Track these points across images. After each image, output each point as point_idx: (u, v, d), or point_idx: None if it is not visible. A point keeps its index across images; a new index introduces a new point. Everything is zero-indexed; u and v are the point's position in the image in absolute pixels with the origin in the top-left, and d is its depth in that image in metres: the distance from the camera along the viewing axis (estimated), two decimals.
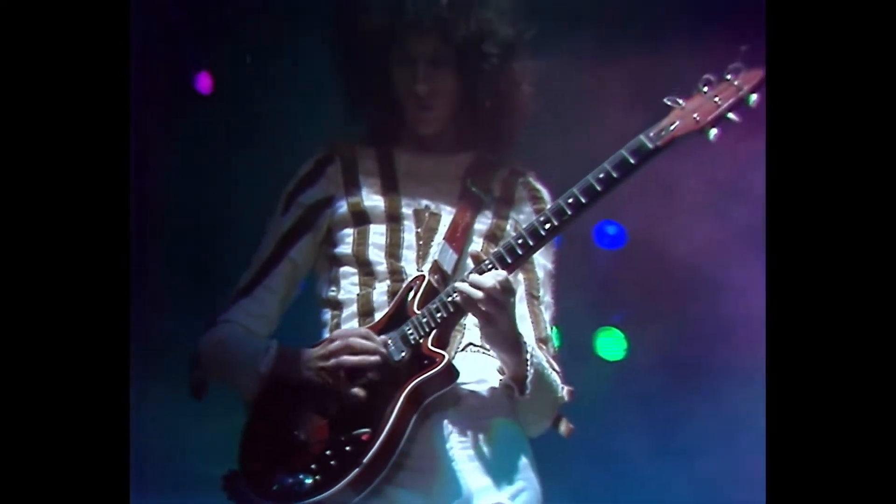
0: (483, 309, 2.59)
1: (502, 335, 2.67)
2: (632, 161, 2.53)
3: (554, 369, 2.83)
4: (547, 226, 2.60)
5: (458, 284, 2.62)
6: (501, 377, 2.78)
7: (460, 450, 2.72)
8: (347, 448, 2.62)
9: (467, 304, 2.60)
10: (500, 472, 2.72)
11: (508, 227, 2.93)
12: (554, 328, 2.97)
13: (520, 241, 2.62)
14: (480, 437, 2.73)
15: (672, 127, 2.54)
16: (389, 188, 2.94)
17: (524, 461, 2.78)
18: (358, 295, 2.86)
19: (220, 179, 4.79)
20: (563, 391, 2.83)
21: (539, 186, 3.03)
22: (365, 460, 2.58)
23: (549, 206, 2.68)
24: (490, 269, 2.64)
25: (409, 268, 2.85)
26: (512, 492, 2.71)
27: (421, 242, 2.89)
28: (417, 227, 2.90)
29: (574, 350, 3.52)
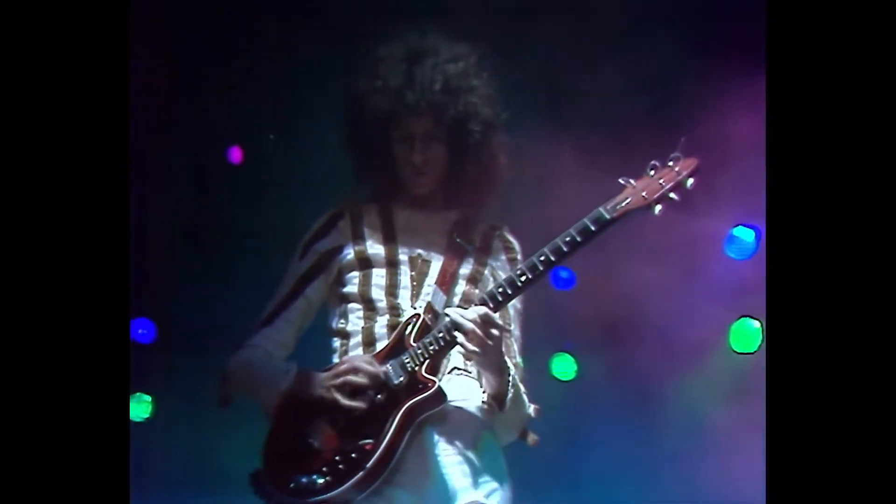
0: (470, 344, 2.96)
1: (491, 361, 3.04)
2: (592, 228, 2.93)
3: (523, 390, 3.21)
4: (522, 278, 2.99)
5: (454, 318, 2.99)
6: (484, 396, 3.16)
7: (446, 456, 3.12)
8: (353, 455, 3.01)
9: (463, 336, 2.98)
10: (479, 474, 3.11)
11: (486, 272, 3.31)
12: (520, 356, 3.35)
13: (500, 290, 3.00)
14: (462, 445, 3.13)
15: (625, 202, 2.94)
16: (389, 238, 3.33)
17: (498, 466, 3.19)
18: (363, 328, 3.25)
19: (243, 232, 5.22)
20: (531, 409, 3.21)
21: (512, 239, 3.44)
22: (368, 465, 2.97)
23: (524, 263, 3.04)
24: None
25: (405, 304, 3.22)
26: (487, 490, 3.12)
27: (415, 284, 3.27)
28: (412, 271, 3.28)
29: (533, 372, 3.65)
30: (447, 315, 3.03)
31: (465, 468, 3.11)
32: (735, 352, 4.81)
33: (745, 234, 4.69)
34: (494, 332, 2.99)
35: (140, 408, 5.31)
